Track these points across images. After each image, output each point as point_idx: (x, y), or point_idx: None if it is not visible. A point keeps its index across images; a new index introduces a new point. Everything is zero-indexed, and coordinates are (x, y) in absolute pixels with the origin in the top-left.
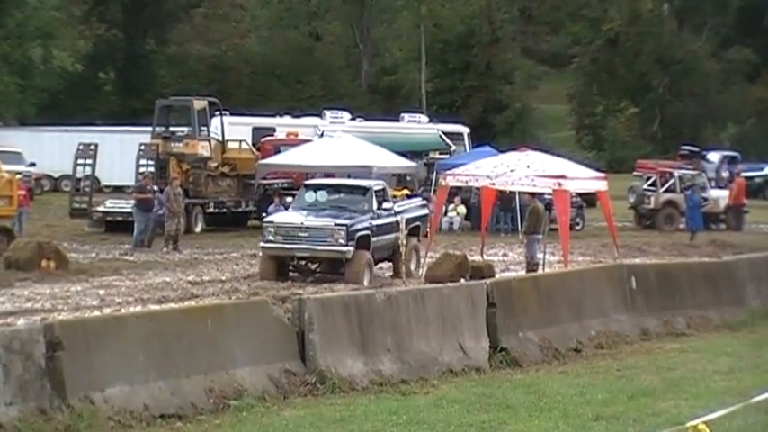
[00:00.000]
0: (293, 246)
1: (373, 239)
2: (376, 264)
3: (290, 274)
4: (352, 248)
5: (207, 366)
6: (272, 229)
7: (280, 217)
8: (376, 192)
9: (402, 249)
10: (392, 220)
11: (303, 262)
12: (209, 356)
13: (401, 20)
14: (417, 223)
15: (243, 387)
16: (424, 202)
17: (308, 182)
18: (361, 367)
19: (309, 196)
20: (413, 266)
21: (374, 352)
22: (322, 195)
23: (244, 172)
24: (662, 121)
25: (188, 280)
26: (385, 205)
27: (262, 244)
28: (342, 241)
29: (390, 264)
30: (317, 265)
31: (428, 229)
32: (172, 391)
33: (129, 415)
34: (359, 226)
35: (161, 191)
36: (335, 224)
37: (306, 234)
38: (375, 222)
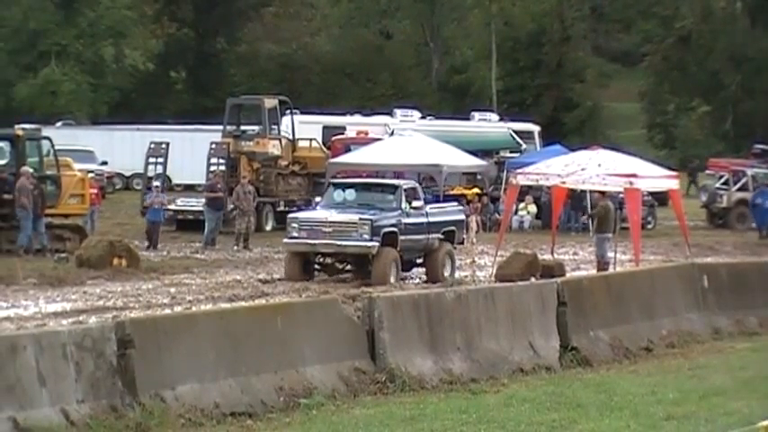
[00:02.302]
0: (317, 241)
1: (401, 238)
2: (409, 268)
3: (316, 273)
4: (377, 244)
5: (277, 364)
6: (295, 225)
7: (305, 213)
8: (405, 190)
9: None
10: (423, 219)
11: (330, 260)
12: (279, 354)
13: (471, 18)
14: (452, 228)
15: (313, 385)
16: (461, 207)
17: (335, 180)
18: (430, 366)
19: (338, 195)
20: (446, 272)
21: (444, 350)
22: (350, 194)
23: (314, 170)
24: (734, 120)
25: (258, 278)
26: (415, 204)
27: (285, 240)
28: (366, 236)
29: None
30: (344, 264)
31: (463, 235)
32: (242, 389)
33: (199, 413)
34: (384, 222)
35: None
36: (360, 219)
37: (330, 229)
38: (404, 220)
